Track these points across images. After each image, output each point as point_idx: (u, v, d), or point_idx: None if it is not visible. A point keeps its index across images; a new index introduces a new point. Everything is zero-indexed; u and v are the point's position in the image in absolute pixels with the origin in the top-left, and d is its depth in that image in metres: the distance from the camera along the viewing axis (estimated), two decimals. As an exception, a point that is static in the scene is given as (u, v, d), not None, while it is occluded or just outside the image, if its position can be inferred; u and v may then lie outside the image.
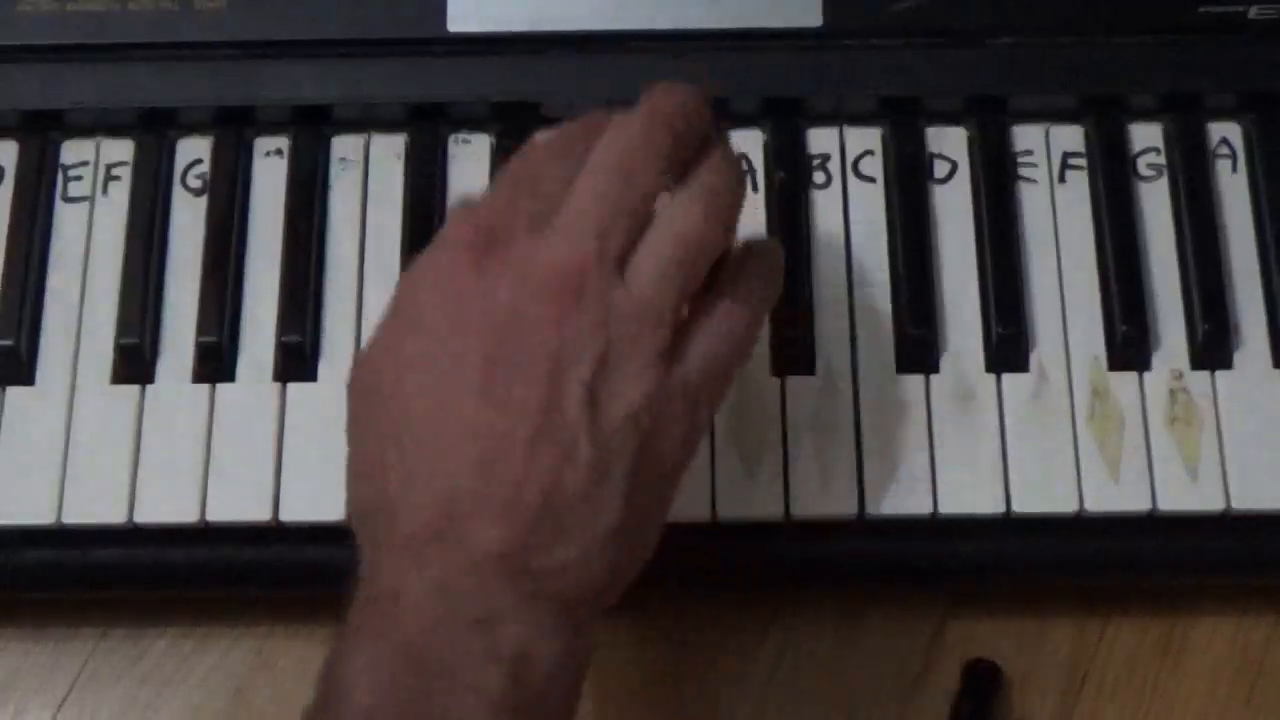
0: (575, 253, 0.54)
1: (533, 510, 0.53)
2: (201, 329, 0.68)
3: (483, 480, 0.53)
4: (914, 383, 0.68)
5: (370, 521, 0.55)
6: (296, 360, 0.68)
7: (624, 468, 0.54)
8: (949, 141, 0.72)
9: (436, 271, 0.56)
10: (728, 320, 0.57)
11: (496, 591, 0.53)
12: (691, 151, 0.57)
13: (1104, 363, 0.68)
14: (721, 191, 0.57)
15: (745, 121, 0.72)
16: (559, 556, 0.53)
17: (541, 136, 0.59)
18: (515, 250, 0.55)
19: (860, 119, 0.72)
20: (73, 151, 0.72)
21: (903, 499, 0.66)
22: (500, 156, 0.71)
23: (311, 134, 0.72)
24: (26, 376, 0.68)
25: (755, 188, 0.71)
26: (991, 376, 0.68)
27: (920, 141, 0.72)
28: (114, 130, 0.72)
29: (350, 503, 0.56)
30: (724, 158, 0.58)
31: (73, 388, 0.68)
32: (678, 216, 0.56)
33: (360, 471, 0.56)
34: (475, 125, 0.72)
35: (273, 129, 0.72)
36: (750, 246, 0.59)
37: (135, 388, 0.68)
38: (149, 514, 0.66)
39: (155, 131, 0.72)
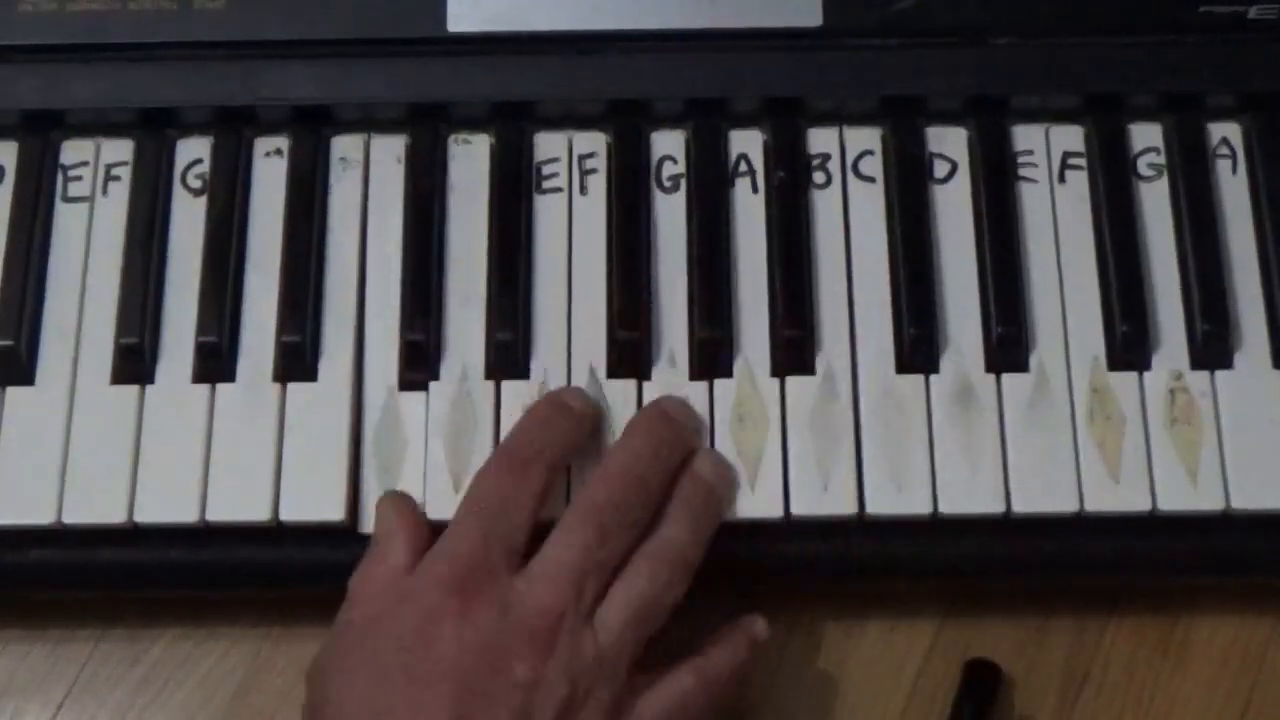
0: (556, 599, 0.60)
1: None
2: (201, 329, 0.68)
3: None
4: (914, 383, 0.68)
5: None
6: (296, 360, 0.68)
7: None
8: (949, 141, 0.72)
9: (412, 605, 0.60)
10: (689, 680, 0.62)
11: None
12: (663, 490, 0.63)
13: (1104, 363, 0.68)
14: (687, 545, 0.62)
15: (745, 121, 0.72)
16: None
17: (485, 468, 0.63)
18: (498, 589, 0.60)
19: (860, 119, 0.72)
20: (73, 151, 0.72)
21: (903, 499, 0.66)
22: (500, 157, 0.71)
23: (311, 134, 0.72)
24: (26, 376, 0.68)
25: (755, 188, 0.71)
26: (991, 376, 0.68)
27: (920, 141, 0.72)
28: (114, 130, 0.72)
29: None
30: (688, 504, 0.63)
31: (73, 388, 0.68)
32: (643, 576, 0.61)
33: None
34: (475, 125, 0.72)
35: (273, 129, 0.72)
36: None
37: (135, 388, 0.68)
38: (149, 514, 0.66)
39: (155, 131, 0.72)
